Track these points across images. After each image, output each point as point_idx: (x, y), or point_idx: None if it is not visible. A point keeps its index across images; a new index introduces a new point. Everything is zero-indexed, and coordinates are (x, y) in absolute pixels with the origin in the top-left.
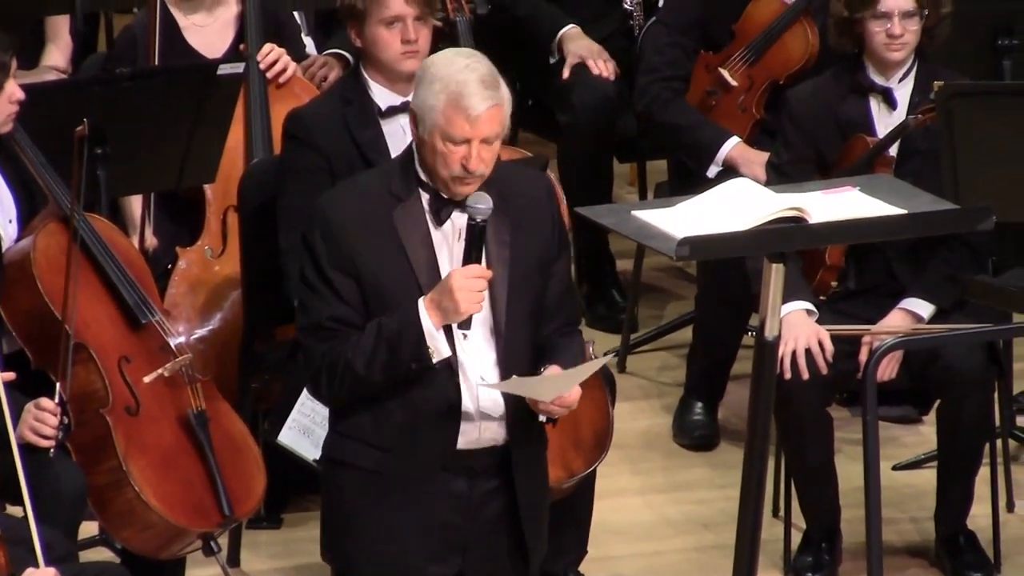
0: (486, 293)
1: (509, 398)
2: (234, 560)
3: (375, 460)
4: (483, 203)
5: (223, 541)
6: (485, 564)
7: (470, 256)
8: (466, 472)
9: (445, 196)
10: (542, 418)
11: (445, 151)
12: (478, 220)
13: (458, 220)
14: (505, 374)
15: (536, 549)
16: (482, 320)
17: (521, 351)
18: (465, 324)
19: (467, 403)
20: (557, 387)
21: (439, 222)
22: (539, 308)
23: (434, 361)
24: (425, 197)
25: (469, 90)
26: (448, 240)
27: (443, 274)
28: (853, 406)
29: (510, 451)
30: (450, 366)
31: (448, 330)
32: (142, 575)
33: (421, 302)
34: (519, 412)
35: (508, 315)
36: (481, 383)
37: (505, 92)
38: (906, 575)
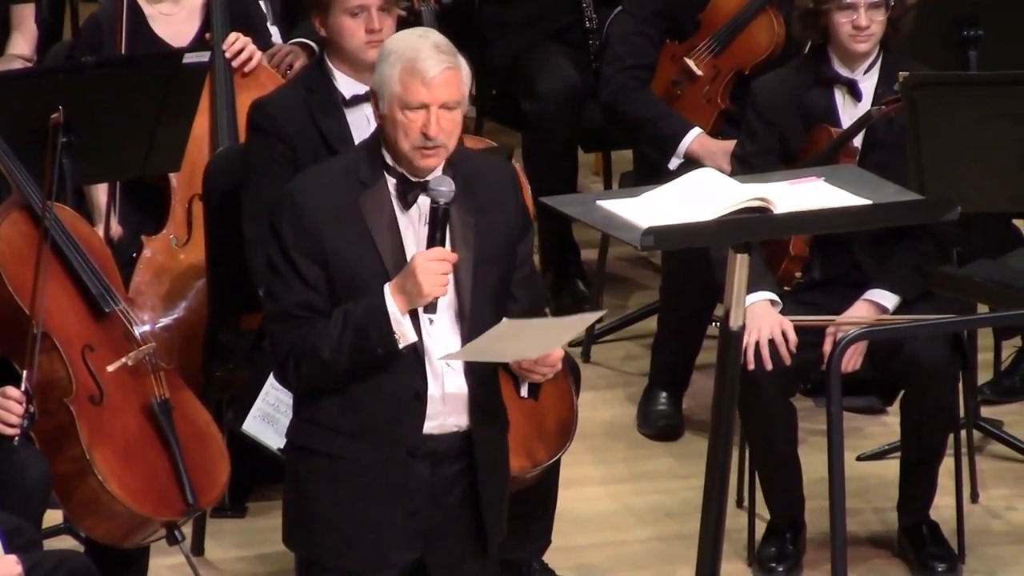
0: (451, 276)
1: (473, 382)
2: (198, 549)
3: (341, 446)
4: (445, 186)
5: (187, 530)
6: (445, 548)
7: (434, 239)
8: (430, 457)
9: (412, 179)
10: (523, 393)
11: (404, 120)
12: (441, 203)
13: (424, 204)
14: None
15: (495, 533)
16: (447, 304)
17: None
18: (430, 308)
19: (432, 388)
20: (544, 341)
21: (406, 206)
22: (503, 292)
23: (400, 346)
24: (391, 182)
25: (423, 55)
26: (415, 224)
27: (408, 258)
28: (817, 396)
29: (472, 436)
30: (416, 351)
31: (414, 315)
32: (106, 564)
33: (387, 287)
34: (482, 396)
35: (473, 299)
36: (446, 357)
37: (462, 61)
38: (870, 565)
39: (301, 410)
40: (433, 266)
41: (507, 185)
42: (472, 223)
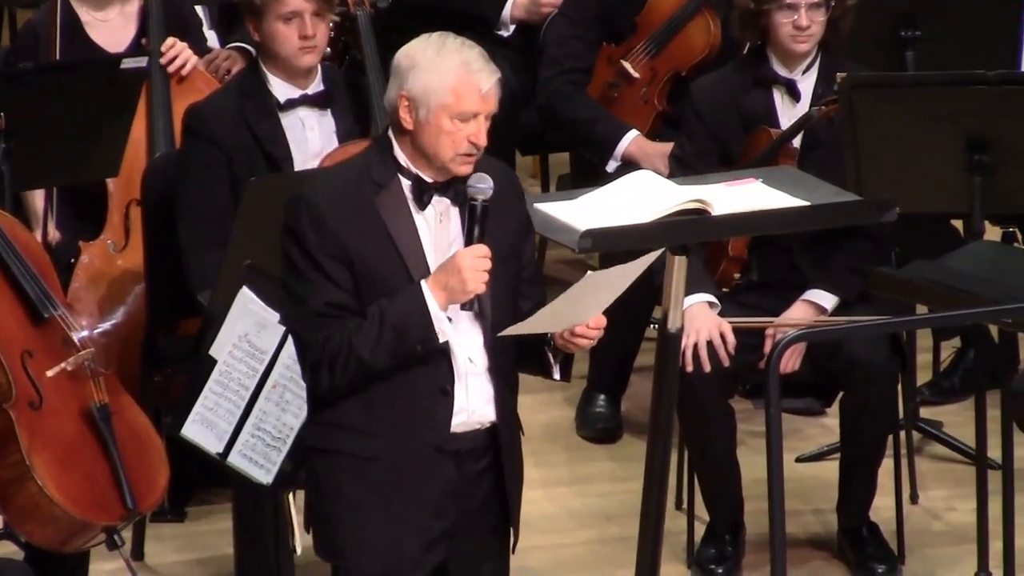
0: None
1: (496, 378)
2: (138, 554)
3: (367, 447)
4: (484, 183)
5: (127, 535)
6: (470, 546)
7: (472, 236)
8: (454, 455)
9: (428, 180)
10: (556, 375)
11: (453, 129)
12: (479, 200)
13: (439, 204)
14: (492, 355)
15: (516, 530)
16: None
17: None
18: (468, 305)
19: (457, 385)
20: (606, 294)
21: (421, 207)
22: (515, 290)
23: (440, 342)
24: (406, 183)
25: (477, 66)
26: (431, 225)
27: (428, 259)
28: (756, 398)
29: (497, 432)
30: (443, 348)
31: None
32: (46, 569)
33: (424, 284)
34: (505, 393)
35: (492, 297)
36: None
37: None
38: (809, 567)
39: (319, 413)
40: (477, 262)
41: (510, 187)
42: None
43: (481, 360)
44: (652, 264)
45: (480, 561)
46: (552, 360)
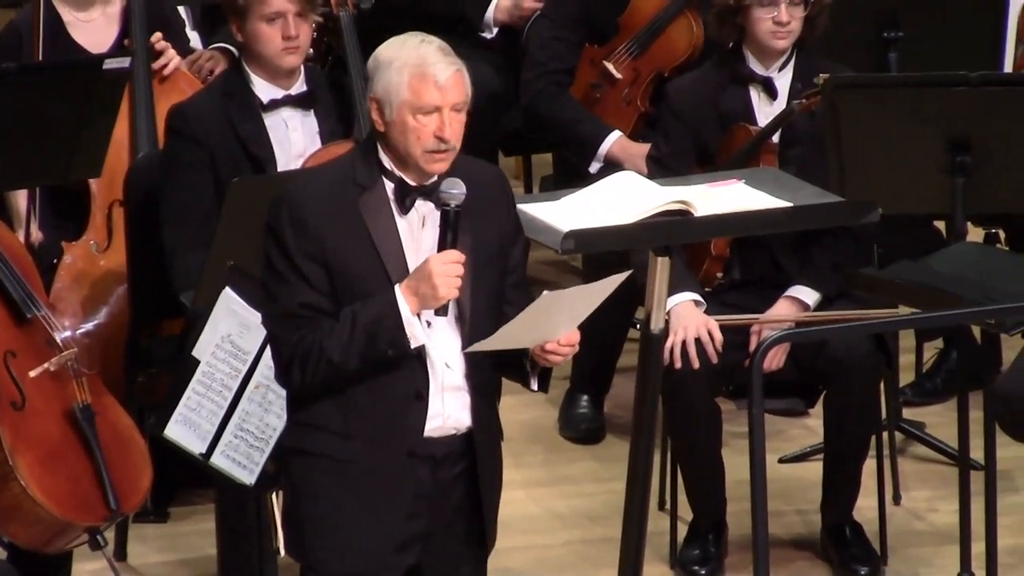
0: None
1: (473, 383)
2: (121, 554)
3: (341, 449)
4: (456, 188)
5: (110, 535)
6: (443, 552)
7: (445, 241)
8: (429, 460)
9: (410, 183)
10: (534, 387)
11: (417, 125)
12: (452, 205)
13: (422, 208)
14: (470, 360)
15: (492, 535)
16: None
17: (485, 337)
18: (442, 310)
19: (433, 390)
20: (575, 312)
21: (404, 210)
22: (499, 295)
23: (412, 348)
24: (389, 186)
25: (432, 59)
26: (413, 228)
27: (408, 262)
28: (739, 399)
29: (473, 437)
30: (418, 353)
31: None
32: (29, 569)
33: (397, 288)
34: (482, 398)
35: (472, 302)
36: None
37: (462, 62)
38: (793, 567)
39: (297, 413)
40: (449, 268)
41: (499, 190)
42: (469, 227)
43: (458, 365)
44: (634, 264)
45: (456, 565)
46: (530, 371)
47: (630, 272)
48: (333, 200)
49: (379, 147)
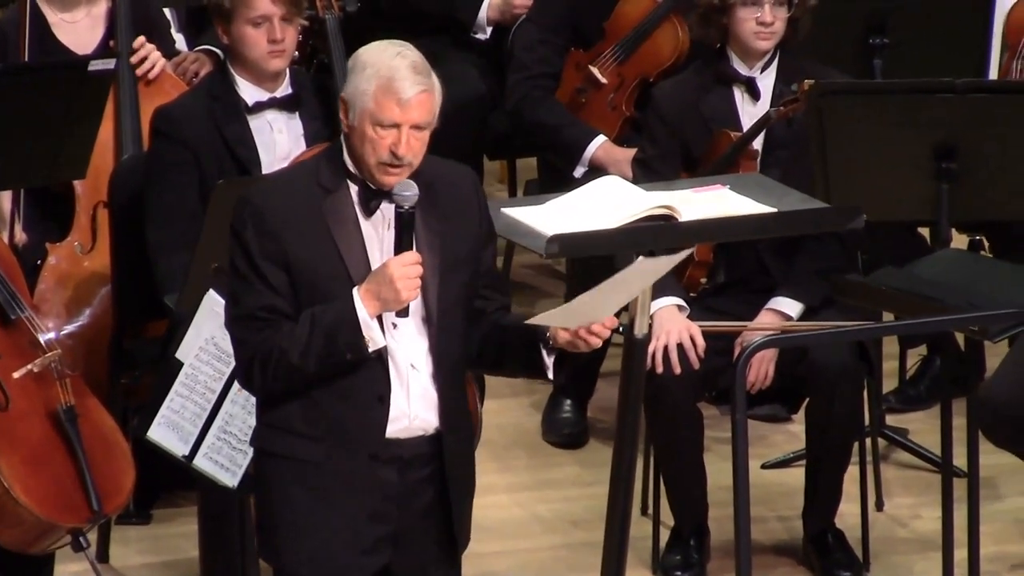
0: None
1: (442, 385)
2: (103, 556)
3: (306, 450)
4: (409, 190)
5: (92, 537)
6: (413, 554)
7: (401, 244)
8: (396, 461)
9: (373, 187)
10: (550, 374)
11: (375, 136)
12: (405, 207)
13: (387, 211)
14: (437, 361)
15: (463, 538)
16: (414, 308)
17: (453, 338)
18: (403, 312)
19: (397, 391)
20: (634, 287)
21: (368, 213)
22: (469, 296)
23: (370, 351)
24: (354, 189)
25: (400, 75)
26: (378, 231)
27: (373, 265)
28: (722, 404)
29: (441, 439)
30: (379, 354)
31: (379, 318)
32: (11, 570)
33: (356, 292)
34: (451, 399)
35: (440, 302)
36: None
37: (435, 81)
38: (775, 573)
39: (264, 414)
40: (408, 270)
41: (470, 191)
42: (437, 228)
43: (425, 366)
44: (619, 267)
45: (427, 567)
46: (546, 359)
47: (691, 251)
48: (297, 202)
49: (344, 149)
